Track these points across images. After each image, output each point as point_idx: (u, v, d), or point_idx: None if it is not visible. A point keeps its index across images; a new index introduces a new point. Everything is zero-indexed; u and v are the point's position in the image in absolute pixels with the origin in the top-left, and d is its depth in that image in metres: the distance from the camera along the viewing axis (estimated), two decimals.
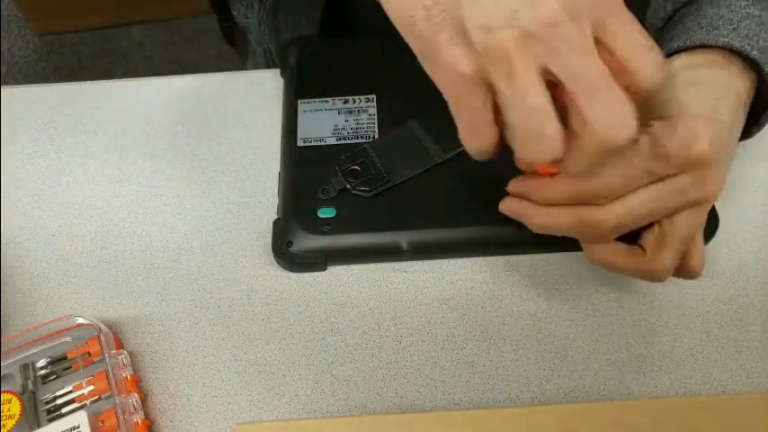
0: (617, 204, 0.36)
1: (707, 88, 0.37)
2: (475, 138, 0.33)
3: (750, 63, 0.39)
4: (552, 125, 0.30)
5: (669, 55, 0.40)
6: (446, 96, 0.32)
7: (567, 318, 0.43)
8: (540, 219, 0.38)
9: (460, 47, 0.30)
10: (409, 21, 0.31)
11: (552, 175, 0.37)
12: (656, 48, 0.31)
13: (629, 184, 0.36)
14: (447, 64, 0.31)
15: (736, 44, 0.38)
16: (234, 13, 0.68)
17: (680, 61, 0.39)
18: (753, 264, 0.45)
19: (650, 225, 0.37)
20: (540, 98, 0.30)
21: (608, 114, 0.30)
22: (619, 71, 0.30)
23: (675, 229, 0.37)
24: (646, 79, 0.30)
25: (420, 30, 0.31)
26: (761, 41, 0.38)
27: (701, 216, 0.37)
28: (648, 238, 0.38)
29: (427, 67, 0.32)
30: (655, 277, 0.38)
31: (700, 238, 0.39)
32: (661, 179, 0.35)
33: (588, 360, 0.42)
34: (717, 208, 0.45)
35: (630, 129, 0.30)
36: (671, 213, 0.37)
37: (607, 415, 0.39)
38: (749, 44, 0.38)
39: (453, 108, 0.33)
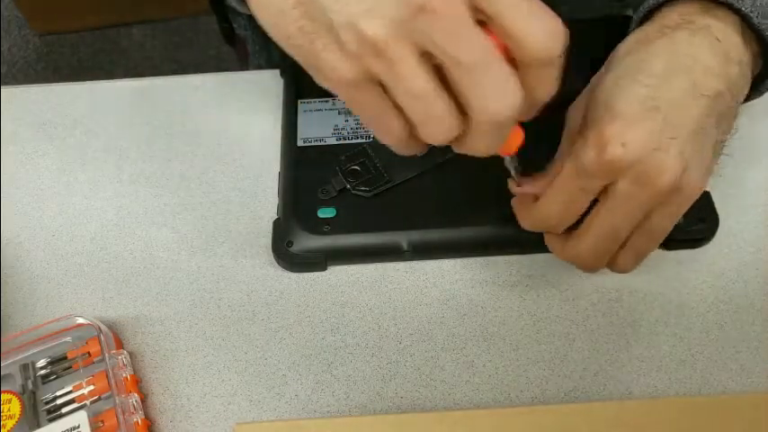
0: (583, 236, 0.37)
1: (649, 73, 0.36)
2: (386, 134, 0.32)
3: (745, 24, 0.37)
4: (439, 106, 0.30)
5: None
6: (344, 101, 0.32)
7: (567, 318, 0.43)
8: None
9: (336, 52, 0.29)
10: (285, 36, 0.31)
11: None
12: (546, 13, 0.30)
13: (573, 206, 0.36)
14: (329, 72, 0.30)
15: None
16: (234, 25, 0.68)
17: (650, 27, 0.38)
18: (753, 264, 0.45)
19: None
20: (422, 82, 0.29)
21: (492, 94, 0.29)
22: (511, 39, 0.29)
23: (596, 219, 0.37)
24: (537, 49, 0.29)
25: (297, 43, 0.30)
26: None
27: (669, 209, 0.36)
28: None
29: (316, 79, 0.31)
30: (577, 265, 0.40)
31: (653, 236, 0.38)
32: (605, 191, 0.35)
33: (588, 360, 0.42)
34: (717, 208, 0.45)
35: (513, 103, 0.29)
36: (642, 219, 0.36)
37: (607, 415, 0.39)
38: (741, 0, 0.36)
39: (354, 111, 0.32)
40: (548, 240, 0.41)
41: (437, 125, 0.30)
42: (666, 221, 0.37)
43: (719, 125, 0.37)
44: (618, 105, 0.35)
